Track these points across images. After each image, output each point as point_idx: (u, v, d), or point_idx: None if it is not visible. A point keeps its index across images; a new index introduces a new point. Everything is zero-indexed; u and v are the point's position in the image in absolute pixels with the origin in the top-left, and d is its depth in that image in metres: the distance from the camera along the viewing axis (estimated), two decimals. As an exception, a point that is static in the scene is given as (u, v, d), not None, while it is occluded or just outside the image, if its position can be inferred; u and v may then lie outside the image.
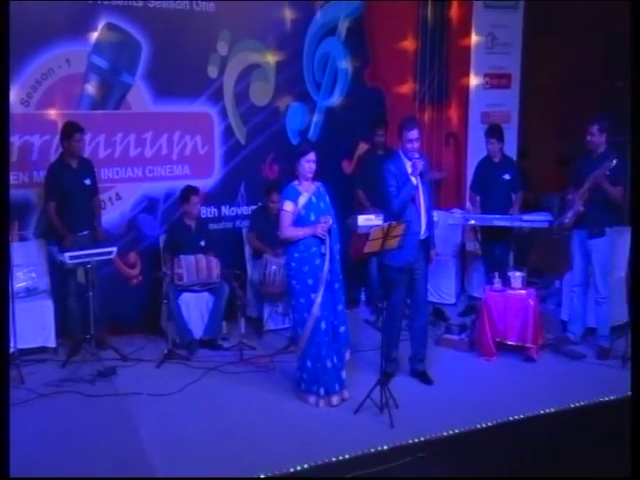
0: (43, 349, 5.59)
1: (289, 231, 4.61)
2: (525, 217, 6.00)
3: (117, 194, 6.08)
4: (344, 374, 4.81)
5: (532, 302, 5.53)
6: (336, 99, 6.76)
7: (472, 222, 6.09)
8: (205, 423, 4.58)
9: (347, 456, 4.15)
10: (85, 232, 5.62)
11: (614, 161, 5.31)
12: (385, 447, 4.25)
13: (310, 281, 4.60)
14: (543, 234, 6.87)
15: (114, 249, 5.38)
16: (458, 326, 5.97)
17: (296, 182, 4.67)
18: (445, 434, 4.41)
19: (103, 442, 4.33)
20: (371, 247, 4.52)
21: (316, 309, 4.59)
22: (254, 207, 6.44)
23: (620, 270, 5.98)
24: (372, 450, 4.21)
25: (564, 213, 5.77)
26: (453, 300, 6.89)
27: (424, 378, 5.14)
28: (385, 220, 4.96)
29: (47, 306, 5.61)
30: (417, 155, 4.88)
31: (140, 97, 6.01)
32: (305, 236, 4.57)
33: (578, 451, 4.35)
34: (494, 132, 6.17)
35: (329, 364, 4.69)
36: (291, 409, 4.75)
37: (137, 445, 4.30)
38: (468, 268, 7.05)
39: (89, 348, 5.49)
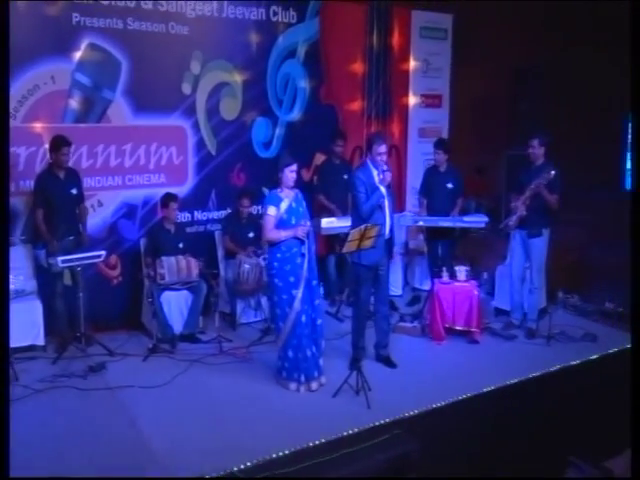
0: (32, 347, 5.21)
1: (273, 234, 4.49)
2: (466, 219, 6.05)
3: (99, 201, 5.74)
4: (321, 362, 4.72)
5: (476, 292, 5.59)
6: (296, 114, 6.65)
7: (421, 223, 6.07)
8: (198, 411, 4.36)
9: (334, 437, 4.02)
10: (70, 237, 5.26)
11: (552, 172, 5.40)
12: (367, 426, 4.15)
13: (291, 279, 4.49)
14: (472, 234, 7.00)
15: (103, 253, 5.07)
16: (411, 315, 5.96)
17: (278, 189, 4.57)
18: (416, 412, 4.35)
19: (105, 433, 4.05)
20: (349, 247, 4.46)
21: (297, 304, 4.49)
22: (226, 212, 6.24)
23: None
24: (356, 430, 4.10)
25: (508, 216, 5.83)
26: (400, 292, 6.88)
27: (388, 362, 5.10)
28: (353, 223, 4.90)
29: (35, 306, 5.21)
30: (385, 167, 4.82)
31: (120, 112, 5.70)
32: (287, 238, 4.47)
33: (525, 421, 4.50)
34: (440, 145, 6.20)
35: (309, 353, 4.60)
36: (275, 395, 4.60)
37: (138, 434, 4.05)
38: (411, 263, 7.07)
39: (78, 345, 5.16)
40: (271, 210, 4.48)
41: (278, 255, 4.50)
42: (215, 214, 6.31)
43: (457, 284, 5.66)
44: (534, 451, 4.58)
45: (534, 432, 4.62)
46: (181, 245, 5.66)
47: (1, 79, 3.78)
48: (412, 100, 7.39)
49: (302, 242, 4.50)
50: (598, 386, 4.98)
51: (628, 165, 9.77)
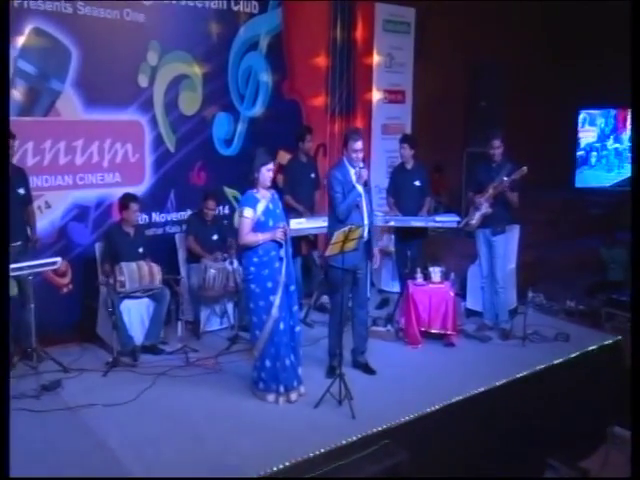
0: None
1: (250, 237, 4.36)
2: (437, 218, 6.07)
3: (46, 202, 5.40)
4: (300, 371, 4.62)
5: (452, 294, 5.61)
6: (258, 110, 6.51)
7: (392, 223, 6.03)
8: (172, 429, 4.15)
9: (321, 450, 3.92)
10: (18, 242, 4.90)
11: (524, 169, 5.47)
12: (354, 438, 4.06)
13: (269, 284, 4.38)
14: (431, 233, 7.03)
15: (58, 259, 4.76)
16: (384, 319, 5.93)
17: (254, 190, 4.43)
18: (403, 420, 4.30)
19: (71, 458, 3.79)
20: (332, 250, 4.39)
21: (275, 311, 4.38)
22: (186, 214, 6.07)
23: (511, 262, 6.20)
24: (343, 442, 4.01)
25: (469, 215, 5.89)
26: (368, 295, 6.80)
27: (367, 369, 5.04)
28: (330, 224, 4.83)
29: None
30: (362, 165, 4.75)
31: (70, 104, 5.38)
32: (265, 241, 4.36)
33: (511, 423, 4.59)
34: (406, 139, 6.19)
35: (287, 362, 4.49)
36: (252, 408, 4.45)
37: (109, 457, 3.80)
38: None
39: (27, 362, 4.85)
40: (247, 212, 4.35)
41: (255, 259, 4.37)
42: (174, 216, 6.11)
43: (432, 285, 5.66)
44: (516, 453, 4.63)
45: (516, 434, 4.67)
46: (141, 250, 5.43)
47: (1, 77, 3.79)
48: (376, 96, 7.38)
49: (280, 245, 4.40)
50: (578, 385, 5.10)
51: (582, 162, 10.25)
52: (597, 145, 10.28)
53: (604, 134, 10.30)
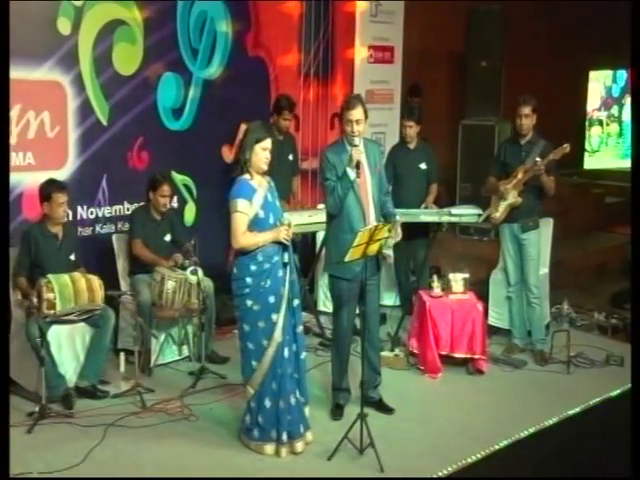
0: None
1: (247, 238, 4.31)
2: (454, 211, 6.16)
3: None
4: (307, 411, 4.62)
5: (480, 307, 5.70)
6: (215, 70, 6.54)
7: (397, 218, 6.01)
8: (146, 499, 4.00)
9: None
10: None
11: (566, 146, 5.61)
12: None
13: (272, 299, 4.36)
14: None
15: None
16: (391, 341, 5.97)
17: (247, 176, 4.38)
18: (443, 473, 4.32)
19: None
20: (353, 255, 4.37)
21: (278, 334, 4.36)
22: (130, 207, 6.04)
23: (544, 265, 6.39)
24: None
25: (492, 206, 5.99)
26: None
27: (382, 407, 5.06)
28: (328, 222, 4.90)
29: None
30: (357, 141, 4.74)
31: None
32: (266, 243, 4.33)
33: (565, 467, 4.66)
34: (412, 114, 6.24)
35: (293, 401, 4.47)
36: (245, 465, 4.37)
37: None
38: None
39: None
40: (242, 205, 4.30)
41: (253, 267, 4.33)
42: (107, 210, 6.06)
43: (453, 297, 5.75)
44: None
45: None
46: (73, 257, 5.30)
47: (1, 78, 4.06)
48: (359, 53, 7.47)
49: (285, 248, 4.38)
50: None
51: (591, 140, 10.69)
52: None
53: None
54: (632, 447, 3.72)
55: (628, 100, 10.79)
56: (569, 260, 8.22)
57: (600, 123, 10.78)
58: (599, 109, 10.73)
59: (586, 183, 10.13)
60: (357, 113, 4.73)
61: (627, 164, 10.64)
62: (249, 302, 4.34)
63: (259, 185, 4.39)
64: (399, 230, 4.92)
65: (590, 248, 8.93)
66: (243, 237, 4.29)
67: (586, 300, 7.41)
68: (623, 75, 10.68)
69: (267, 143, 4.36)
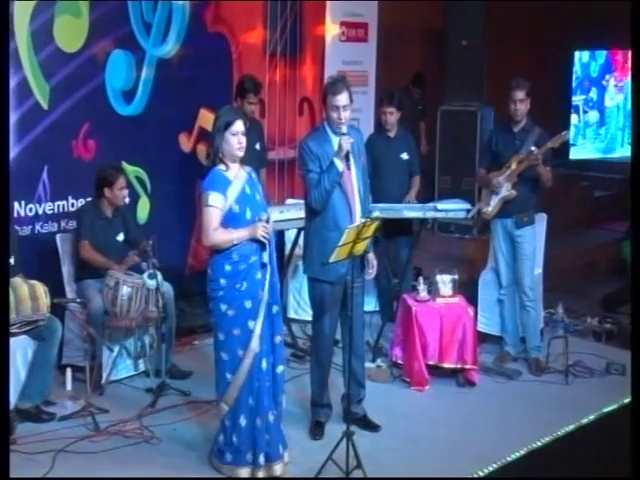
0: None
1: (219, 235, 4.31)
2: (440, 206, 6.20)
3: None
4: (284, 428, 4.62)
5: (471, 312, 5.75)
6: (171, 48, 6.53)
7: (376, 214, 6.01)
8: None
9: None
10: None
11: (565, 133, 5.68)
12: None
13: (248, 304, 4.36)
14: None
15: None
16: (372, 351, 5.99)
17: (222, 166, 4.38)
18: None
19: None
20: (338, 255, 4.37)
21: (255, 343, 4.36)
22: (77, 203, 6.00)
23: (538, 265, 6.45)
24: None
25: (483, 200, 6.06)
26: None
27: (367, 424, 5.08)
28: (308, 219, 4.91)
29: None
30: (344, 129, 4.77)
31: None
32: (241, 241, 4.32)
33: None
34: (392, 98, 6.27)
35: (271, 418, 4.48)
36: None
37: None
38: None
39: None
40: (214, 199, 4.30)
41: (227, 268, 4.34)
42: (49, 207, 6.00)
43: (442, 301, 5.79)
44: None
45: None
46: (12, 260, 5.12)
47: (1, 79, 4.25)
48: (330, 30, 7.52)
49: (263, 247, 4.38)
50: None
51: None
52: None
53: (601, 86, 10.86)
54: (632, 447, 3.77)
55: (612, 82, 10.95)
56: (556, 259, 8.30)
57: (576, 110, 10.74)
58: (574, 92, 10.67)
59: (573, 175, 10.24)
60: (344, 98, 4.75)
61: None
62: (223, 306, 4.35)
63: (235, 176, 4.38)
64: (374, 263, 4.93)
65: (578, 246, 9.06)
66: (215, 234, 4.29)
67: (576, 303, 7.49)
68: (603, 53, 10.75)
69: (237, 126, 4.36)
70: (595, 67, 10.77)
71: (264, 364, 4.41)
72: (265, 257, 4.37)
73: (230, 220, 4.31)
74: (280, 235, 6.69)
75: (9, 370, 4.29)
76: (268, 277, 4.39)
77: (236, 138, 4.34)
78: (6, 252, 4.21)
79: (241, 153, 4.38)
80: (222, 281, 4.33)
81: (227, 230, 4.30)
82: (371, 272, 4.99)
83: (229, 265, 4.32)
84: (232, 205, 4.31)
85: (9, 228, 4.21)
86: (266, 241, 4.35)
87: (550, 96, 10.12)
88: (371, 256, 4.98)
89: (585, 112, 10.83)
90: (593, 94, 10.84)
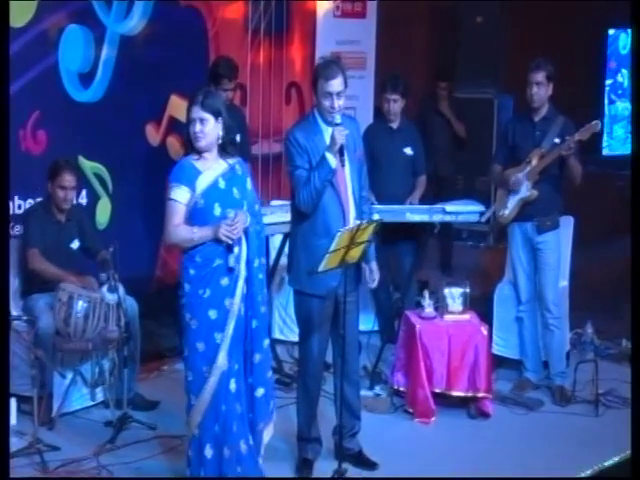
0: None
1: (179, 232, 4.38)
2: (449, 208, 6.20)
3: None
4: (261, 461, 4.61)
5: (485, 332, 5.75)
6: (136, 23, 6.53)
7: (376, 216, 5.99)
8: None
9: None
10: None
11: (596, 123, 5.70)
12: None
13: (213, 313, 4.37)
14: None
15: None
16: (369, 377, 6.02)
17: (194, 156, 4.43)
18: None
19: None
20: (329, 263, 4.41)
21: (222, 359, 4.37)
22: (26, 205, 6.03)
23: (564, 277, 6.47)
24: None
25: (499, 201, 6.06)
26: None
27: (362, 461, 5.07)
28: (294, 221, 4.96)
29: None
30: (338, 119, 4.78)
31: None
32: (202, 241, 4.35)
33: None
34: (396, 84, 6.28)
35: (244, 448, 4.46)
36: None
37: None
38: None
39: None
40: (177, 192, 4.38)
41: (192, 272, 4.40)
42: None
43: (450, 318, 5.80)
44: None
45: None
46: None
47: (1, 81, 4.49)
48: (322, 5, 7.55)
49: (230, 249, 4.37)
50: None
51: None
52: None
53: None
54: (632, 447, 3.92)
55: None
56: (585, 271, 8.29)
57: (610, 98, 10.57)
58: (608, 77, 10.45)
59: (606, 174, 10.23)
60: (338, 84, 4.76)
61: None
62: (187, 316, 4.41)
63: (208, 167, 4.40)
64: (376, 272, 4.97)
65: (611, 256, 9.05)
66: (175, 230, 4.37)
67: (608, 322, 7.48)
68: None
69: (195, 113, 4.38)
70: (624, 42, 10.51)
71: (232, 385, 4.41)
72: (231, 261, 4.37)
73: (195, 216, 4.35)
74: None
75: (9, 370, 4.38)
76: (241, 284, 4.38)
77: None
78: (6, 252, 4.34)
79: (198, 143, 4.36)
80: (186, 286, 4.39)
81: (190, 228, 4.34)
82: (374, 279, 4.99)
83: (193, 269, 4.37)
84: (197, 199, 4.33)
85: (9, 228, 4.30)
86: (230, 242, 4.32)
87: (579, 80, 10.15)
88: (374, 265, 5.00)
89: (613, 102, 10.67)
90: (621, 77, 10.52)
